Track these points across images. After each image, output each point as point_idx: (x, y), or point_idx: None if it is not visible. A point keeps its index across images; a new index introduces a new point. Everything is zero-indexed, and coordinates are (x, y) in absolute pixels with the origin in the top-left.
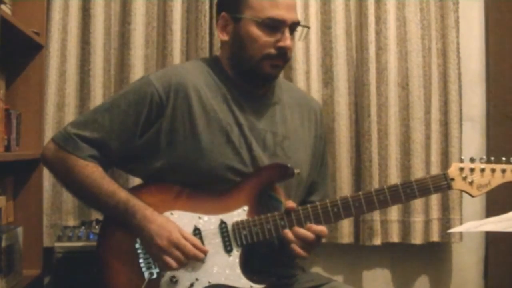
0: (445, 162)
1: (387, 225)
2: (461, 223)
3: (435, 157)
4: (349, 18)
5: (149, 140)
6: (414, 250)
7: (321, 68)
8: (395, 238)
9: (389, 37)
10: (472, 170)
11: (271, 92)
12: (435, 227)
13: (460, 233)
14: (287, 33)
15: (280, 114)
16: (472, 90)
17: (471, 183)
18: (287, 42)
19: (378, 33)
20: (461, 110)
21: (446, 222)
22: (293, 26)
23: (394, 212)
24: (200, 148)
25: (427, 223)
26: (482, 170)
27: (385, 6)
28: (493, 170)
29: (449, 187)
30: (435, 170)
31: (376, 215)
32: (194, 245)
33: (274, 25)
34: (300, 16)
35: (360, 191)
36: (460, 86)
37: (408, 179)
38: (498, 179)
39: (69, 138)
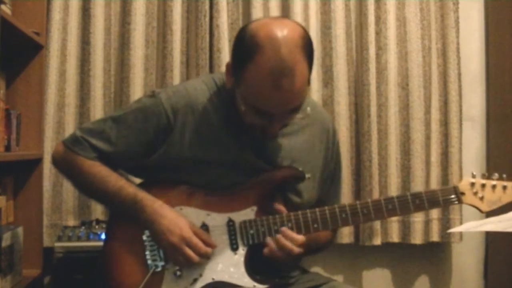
0: (445, 162)
1: (387, 225)
2: (461, 223)
3: (435, 157)
4: (349, 18)
5: (156, 160)
6: (414, 250)
7: (321, 68)
8: (395, 238)
9: (389, 37)
10: (483, 186)
11: None
12: (435, 227)
13: (460, 233)
14: (276, 123)
15: (289, 136)
16: (472, 90)
17: (481, 198)
18: (272, 131)
19: (378, 33)
20: (461, 110)
21: (446, 222)
22: (287, 113)
23: None
24: (208, 172)
25: (427, 223)
26: (494, 186)
27: (385, 6)
28: (504, 187)
29: (459, 201)
30: (435, 170)
31: None
32: (204, 242)
33: (261, 113)
34: (300, 17)
35: (369, 199)
36: (460, 86)
37: (416, 191)
38: (509, 197)
39: (76, 140)
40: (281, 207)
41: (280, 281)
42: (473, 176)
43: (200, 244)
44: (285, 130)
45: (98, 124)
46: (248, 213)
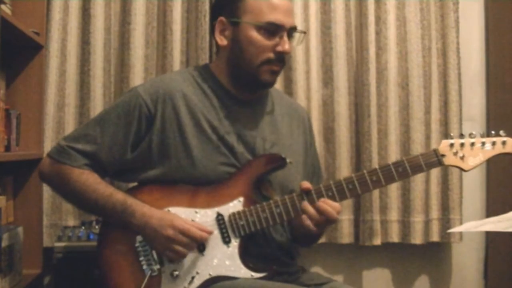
0: None
1: (387, 225)
2: (461, 223)
3: None
4: (349, 18)
5: (141, 153)
6: (414, 250)
7: (321, 68)
8: (395, 238)
9: (389, 37)
10: (462, 145)
11: (261, 100)
12: (435, 227)
13: (460, 233)
14: (285, 37)
15: (269, 121)
16: (472, 90)
17: (462, 157)
18: (285, 46)
19: (378, 33)
20: (461, 110)
21: (446, 222)
22: (291, 31)
23: (394, 212)
24: (191, 156)
25: (427, 223)
26: (472, 144)
27: (385, 6)
28: (483, 144)
29: (440, 163)
30: (435, 170)
31: (376, 215)
32: (197, 228)
33: (273, 30)
34: (300, 17)
35: (353, 174)
36: (460, 86)
37: (398, 159)
38: (489, 152)
39: (62, 150)
40: (305, 184)
41: (281, 270)
42: (451, 137)
43: (193, 229)
44: (265, 116)
45: (81, 130)
46: (236, 205)
